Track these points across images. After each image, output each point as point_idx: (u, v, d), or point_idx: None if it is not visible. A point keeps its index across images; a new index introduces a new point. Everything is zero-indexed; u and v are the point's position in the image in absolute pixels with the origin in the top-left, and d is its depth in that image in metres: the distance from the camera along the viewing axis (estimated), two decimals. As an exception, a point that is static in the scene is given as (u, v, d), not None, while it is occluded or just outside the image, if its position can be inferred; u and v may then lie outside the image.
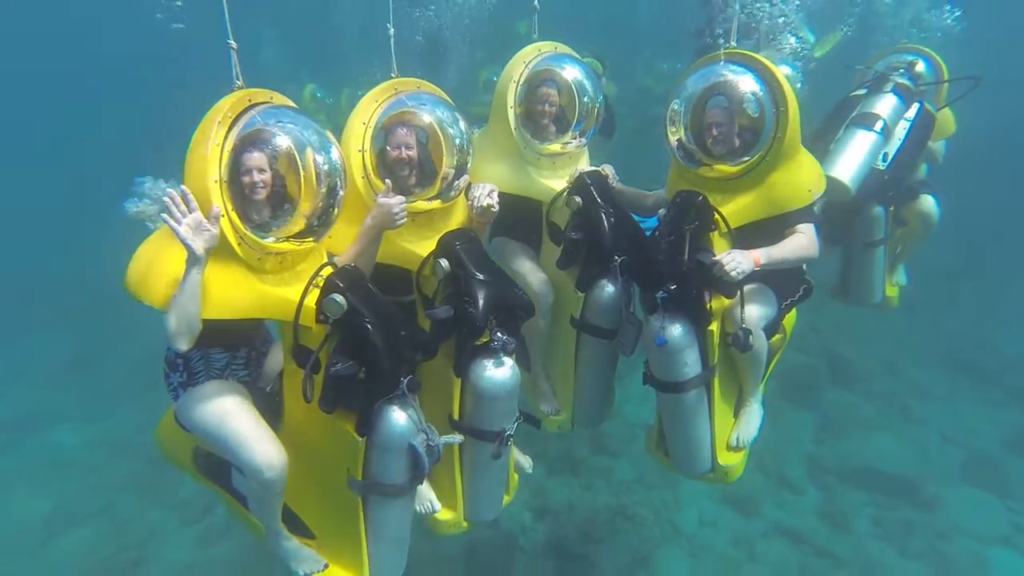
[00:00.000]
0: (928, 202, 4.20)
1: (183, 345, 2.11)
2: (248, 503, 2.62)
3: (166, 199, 2.01)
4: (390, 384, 2.20)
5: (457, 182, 2.77)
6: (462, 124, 2.75)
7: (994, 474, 6.11)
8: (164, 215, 2.00)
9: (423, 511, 2.86)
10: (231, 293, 2.15)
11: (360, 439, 2.24)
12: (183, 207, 2.01)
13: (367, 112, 2.63)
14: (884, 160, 3.66)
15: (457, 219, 2.87)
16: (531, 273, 3.20)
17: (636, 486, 6.05)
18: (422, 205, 2.70)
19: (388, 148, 2.63)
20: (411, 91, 2.73)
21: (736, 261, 2.61)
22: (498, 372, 2.58)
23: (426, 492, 2.85)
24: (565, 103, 3.12)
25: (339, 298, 2.11)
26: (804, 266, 3.20)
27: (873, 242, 4.18)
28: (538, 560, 5.50)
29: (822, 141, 3.92)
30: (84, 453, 7.18)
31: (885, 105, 3.58)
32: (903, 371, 7.45)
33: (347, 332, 2.17)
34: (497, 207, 2.82)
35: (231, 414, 2.30)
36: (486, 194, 2.80)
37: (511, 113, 3.05)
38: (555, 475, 6.25)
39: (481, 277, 2.53)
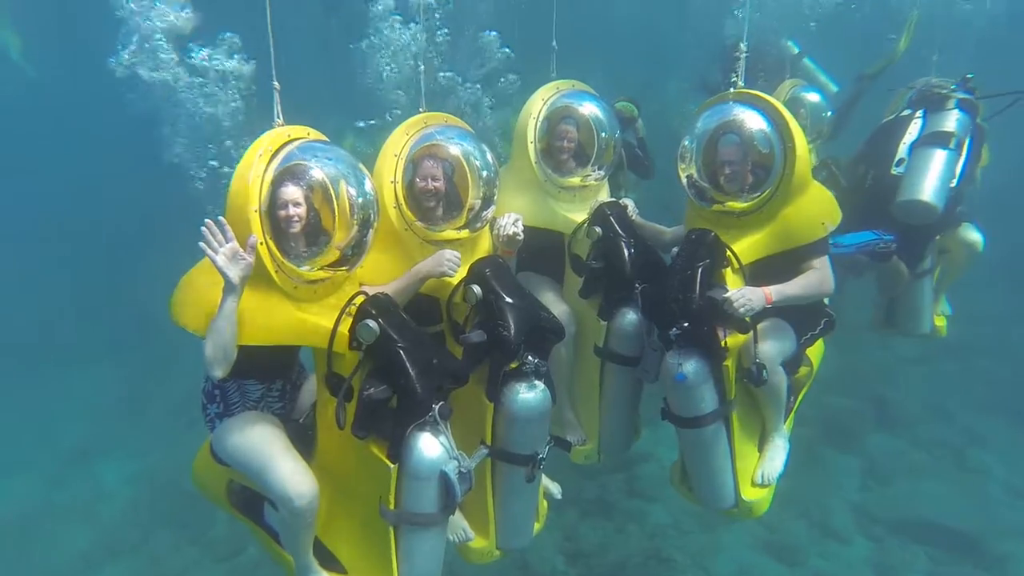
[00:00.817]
0: (972, 230, 4.14)
1: (218, 372, 2.17)
2: (279, 537, 2.63)
3: (204, 229, 2.09)
4: (422, 409, 2.23)
5: (484, 213, 2.88)
6: (489, 157, 2.87)
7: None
8: (202, 244, 2.09)
9: (456, 540, 2.85)
10: (267, 320, 2.23)
11: (392, 466, 2.25)
12: (220, 236, 2.10)
13: (398, 144, 2.77)
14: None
15: (484, 248, 2.98)
16: (553, 304, 3.23)
17: (671, 531, 5.85)
18: (450, 234, 2.80)
19: (416, 179, 2.74)
20: (439, 125, 2.87)
21: (746, 298, 2.65)
22: (531, 395, 2.64)
23: (459, 520, 2.86)
24: (584, 139, 3.24)
25: (372, 324, 2.17)
26: (827, 299, 3.20)
27: (921, 272, 4.12)
28: (569, 606, 5.34)
29: (868, 165, 3.89)
30: (125, 488, 7.34)
31: (953, 121, 3.57)
32: (955, 417, 7.06)
33: (380, 357, 2.22)
34: (522, 235, 2.92)
35: (264, 443, 2.35)
36: (511, 223, 2.91)
37: (531, 148, 3.19)
38: (588, 518, 6.10)
39: (512, 301, 2.59)
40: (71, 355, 9.90)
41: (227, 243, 2.10)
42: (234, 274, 2.09)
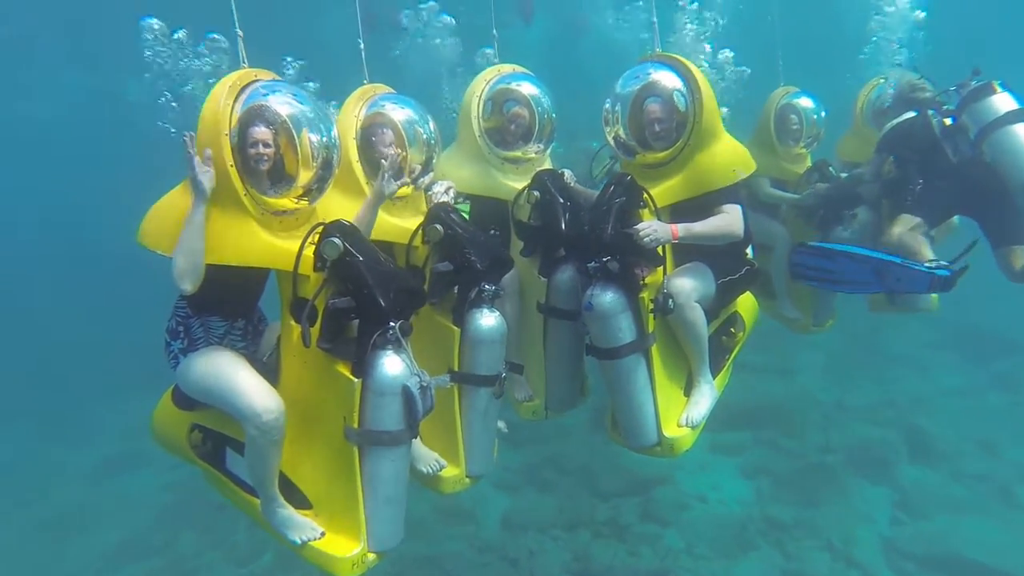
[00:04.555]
0: None
1: (188, 286, 2.29)
2: (245, 472, 2.63)
3: (186, 139, 2.30)
4: (384, 318, 2.36)
5: (426, 174, 3.20)
6: (431, 124, 3.20)
7: None
8: (188, 151, 2.30)
9: (429, 471, 2.99)
10: (236, 239, 2.38)
11: (356, 381, 2.38)
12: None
13: (356, 107, 3.13)
14: None
15: (424, 207, 3.25)
16: None
17: (684, 555, 5.66)
18: (403, 190, 3.09)
19: (374, 146, 3.02)
20: (386, 93, 3.26)
21: (652, 229, 2.90)
22: (492, 318, 2.96)
23: (430, 453, 3.02)
24: (529, 118, 3.57)
25: (336, 240, 2.36)
26: (750, 252, 3.43)
27: None
28: (574, 626, 5.19)
29: (910, 172, 3.81)
30: (160, 495, 7.66)
31: (1011, 100, 3.52)
32: (1002, 451, 6.59)
33: (342, 273, 2.39)
34: (452, 202, 3.22)
35: (229, 367, 2.45)
36: (443, 191, 3.23)
37: (475, 123, 3.52)
38: (599, 539, 5.98)
39: (472, 235, 2.94)
40: (118, 379, 10.53)
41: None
42: (205, 179, 2.28)
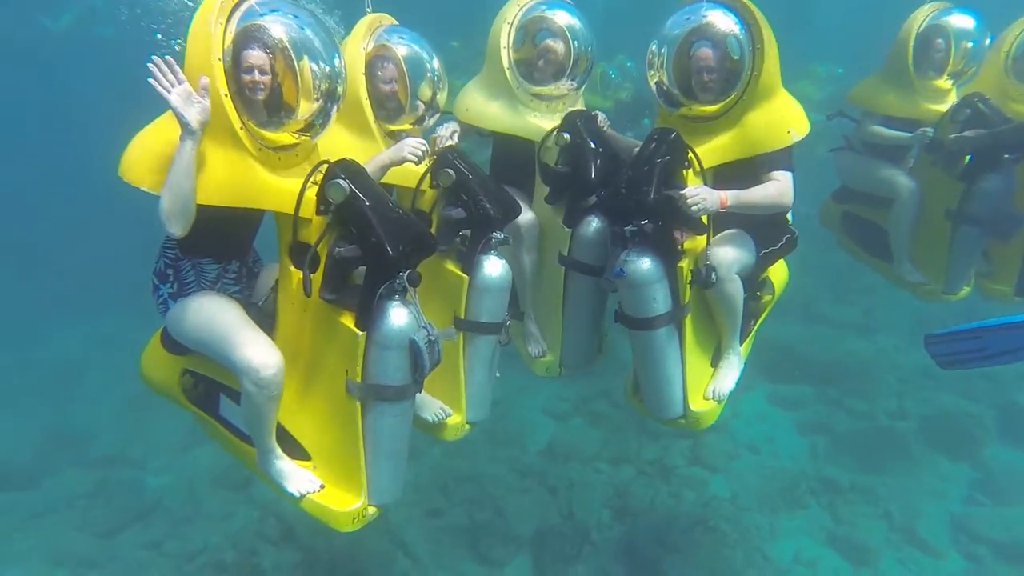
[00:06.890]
0: None
1: (177, 229, 2.04)
2: (240, 420, 2.49)
3: (151, 65, 1.93)
4: (392, 269, 2.19)
5: (432, 112, 3.08)
6: (436, 63, 3.04)
7: None
8: (151, 81, 1.94)
9: (435, 419, 2.95)
10: (231, 178, 2.12)
11: (360, 333, 2.23)
12: (171, 76, 1.95)
13: (364, 39, 2.90)
14: None
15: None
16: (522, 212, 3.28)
17: (727, 505, 5.49)
18: (406, 127, 3.02)
19: (375, 81, 2.88)
20: (391, 25, 3.04)
21: (700, 196, 2.62)
22: (500, 266, 2.87)
23: (434, 401, 2.97)
24: (563, 52, 3.22)
25: (342, 182, 2.14)
26: (790, 217, 3.09)
27: None
28: (605, 557, 5.22)
29: None
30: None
31: None
32: (1117, 441, 5.84)
33: (348, 218, 2.19)
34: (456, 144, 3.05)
35: (225, 316, 2.27)
36: (448, 134, 3.05)
37: (504, 54, 3.19)
38: (643, 477, 5.91)
39: (485, 183, 2.81)
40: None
41: (179, 84, 1.96)
42: (192, 116, 1.95)
